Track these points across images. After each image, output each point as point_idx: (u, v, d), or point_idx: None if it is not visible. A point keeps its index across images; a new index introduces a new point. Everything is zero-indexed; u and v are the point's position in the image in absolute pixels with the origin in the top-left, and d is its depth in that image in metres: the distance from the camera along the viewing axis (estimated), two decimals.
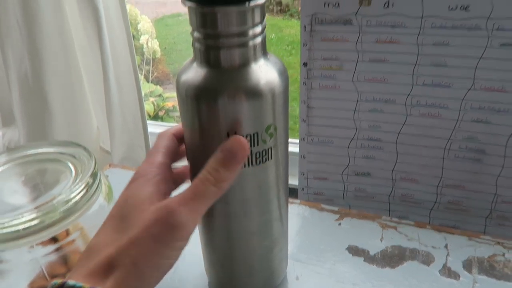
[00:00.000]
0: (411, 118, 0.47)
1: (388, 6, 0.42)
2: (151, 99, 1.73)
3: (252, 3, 0.23)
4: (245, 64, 0.24)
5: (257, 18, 0.24)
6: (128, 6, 0.81)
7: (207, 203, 0.25)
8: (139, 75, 0.87)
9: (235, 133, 0.25)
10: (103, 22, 0.75)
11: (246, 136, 0.25)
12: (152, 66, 2.01)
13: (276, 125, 0.26)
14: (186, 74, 0.25)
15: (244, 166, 0.26)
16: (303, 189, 0.55)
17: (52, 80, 0.78)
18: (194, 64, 0.25)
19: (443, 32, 0.41)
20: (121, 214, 0.24)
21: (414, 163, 0.49)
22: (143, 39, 1.84)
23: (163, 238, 0.23)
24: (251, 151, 0.26)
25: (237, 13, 0.23)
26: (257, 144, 0.26)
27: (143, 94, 0.85)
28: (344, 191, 0.54)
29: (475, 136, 0.46)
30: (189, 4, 0.23)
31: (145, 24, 1.85)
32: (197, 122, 0.25)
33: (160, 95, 1.79)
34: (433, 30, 0.42)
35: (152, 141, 0.92)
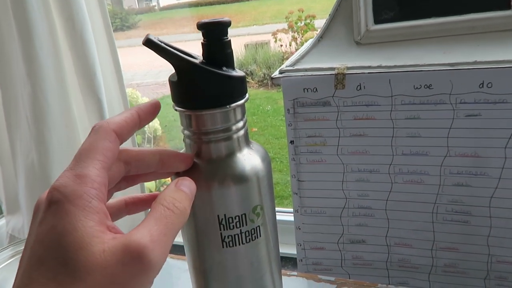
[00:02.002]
0: (397, 185, 0.49)
1: (360, 88, 0.47)
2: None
3: (233, 105, 0.27)
4: (231, 154, 0.28)
5: (239, 115, 0.28)
6: (129, 90, 0.88)
7: (174, 236, 0.21)
8: None
9: (225, 215, 0.27)
10: (105, 113, 0.81)
11: (235, 217, 0.28)
12: (154, 144, 2.08)
13: (263, 205, 0.29)
14: None
15: (235, 245, 0.28)
16: (301, 260, 0.56)
17: (57, 170, 0.82)
18: None
19: (412, 108, 0.46)
20: (55, 258, 0.18)
21: (405, 228, 0.51)
22: None
23: (130, 283, 0.19)
24: (241, 231, 0.28)
25: (221, 114, 0.27)
26: (246, 224, 0.28)
27: None
28: (341, 259, 0.55)
29: (459, 199, 0.48)
30: (179, 109, 0.27)
31: None
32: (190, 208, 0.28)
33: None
34: (403, 106, 0.46)
35: None
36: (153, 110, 0.25)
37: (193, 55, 0.27)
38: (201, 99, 0.26)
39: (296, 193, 0.53)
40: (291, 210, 0.78)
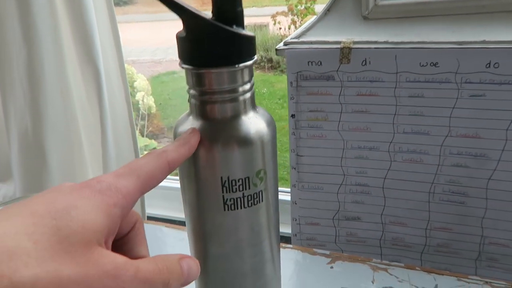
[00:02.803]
0: (395, 163, 0.49)
1: (365, 64, 0.46)
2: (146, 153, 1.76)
3: (241, 65, 0.26)
4: (236, 116, 0.27)
5: (246, 77, 0.27)
6: (125, 66, 0.87)
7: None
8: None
9: (228, 177, 0.27)
10: (103, 83, 0.80)
11: (239, 180, 0.27)
12: (147, 121, 2.06)
13: (266, 170, 0.28)
14: (183, 126, 0.28)
15: (237, 208, 0.28)
16: (295, 235, 0.56)
17: (51, 136, 0.81)
18: (190, 117, 0.28)
19: (417, 86, 0.46)
20: (57, 228, 0.17)
21: (401, 207, 0.51)
22: (139, 96, 1.91)
23: None
24: (243, 194, 0.28)
25: (228, 73, 0.26)
26: (249, 188, 0.28)
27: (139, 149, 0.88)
28: (336, 236, 0.55)
29: (457, 180, 0.48)
30: (186, 66, 0.26)
31: (141, 82, 1.94)
32: (193, 170, 0.28)
33: (154, 149, 1.82)
34: (407, 84, 0.46)
35: (146, 195, 0.94)
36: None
37: (203, 13, 0.26)
38: (209, 57, 0.25)
39: (294, 168, 0.53)
40: (285, 189, 0.78)
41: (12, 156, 0.87)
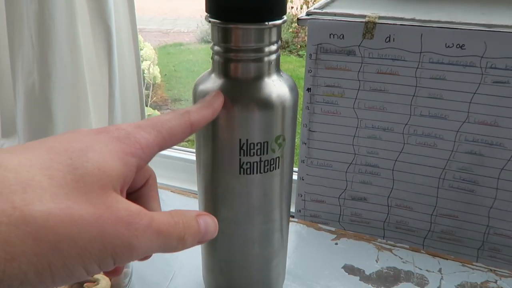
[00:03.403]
0: (408, 146, 0.49)
1: (389, 40, 0.44)
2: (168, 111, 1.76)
3: (270, 23, 0.25)
4: (259, 77, 0.26)
5: (274, 37, 0.26)
6: None
7: (162, 243, 0.18)
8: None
9: (247, 140, 0.26)
10: (113, 43, 0.78)
11: (257, 144, 0.27)
12: (152, 91, 2.05)
13: (285, 136, 0.28)
14: (204, 84, 0.27)
15: (253, 173, 0.27)
16: (299, 211, 0.56)
17: (58, 94, 0.79)
18: (212, 75, 0.27)
19: (440, 67, 0.44)
20: (73, 167, 0.16)
21: (409, 191, 0.51)
22: (144, 65, 1.89)
23: (107, 243, 0.16)
24: (260, 159, 0.27)
25: (256, 31, 0.25)
26: (266, 153, 0.27)
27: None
28: (340, 215, 0.55)
29: (469, 168, 0.48)
30: (213, 20, 0.25)
31: (147, 50, 1.91)
32: (211, 129, 0.27)
33: (177, 109, 1.82)
34: (430, 65, 0.44)
35: (152, 164, 0.93)
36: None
37: None
38: (238, 12, 0.24)
39: (305, 143, 0.52)
40: None
41: (18, 112, 0.86)
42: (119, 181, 0.18)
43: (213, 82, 0.27)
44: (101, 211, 0.16)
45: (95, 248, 0.16)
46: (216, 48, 0.26)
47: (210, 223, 0.20)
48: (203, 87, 0.27)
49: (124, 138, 0.19)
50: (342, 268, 0.38)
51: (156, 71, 1.97)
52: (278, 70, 0.28)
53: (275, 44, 0.26)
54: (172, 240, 0.18)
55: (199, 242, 0.20)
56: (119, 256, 0.16)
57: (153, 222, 0.18)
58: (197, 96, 0.27)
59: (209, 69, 0.28)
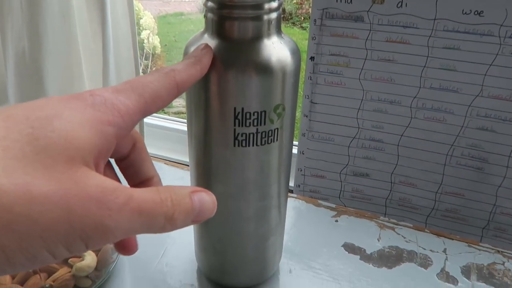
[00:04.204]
0: (416, 121, 0.46)
1: (401, 5, 0.41)
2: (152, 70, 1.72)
3: None
4: (257, 38, 0.24)
5: None
6: None
7: (144, 223, 0.16)
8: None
9: (242, 109, 0.24)
10: (107, 8, 0.74)
11: (254, 114, 0.24)
12: (151, 61, 2.00)
13: (285, 106, 0.25)
14: (196, 45, 0.24)
15: (249, 145, 0.25)
16: (299, 186, 0.54)
17: (49, 61, 0.76)
18: (205, 35, 0.24)
19: (455, 36, 0.41)
20: (34, 137, 0.14)
21: (414, 167, 0.49)
22: (144, 34, 1.84)
23: (74, 223, 0.14)
24: (257, 130, 0.25)
25: None
26: (264, 123, 0.25)
27: None
28: (341, 190, 0.53)
29: (479, 144, 0.45)
30: None
31: (147, 19, 1.85)
32: (203, 96, 0.24)
33: (162, 67, 1.78)
34: (445, 33, 0.41)
35: (148, 131, 0.91)
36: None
37: None
38: None
39: (306, 116, 0.49)
40: None
41: (8, 80, 0.83)
42: (91, 154, 0.15)
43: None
44: (67, 187, 0.14)
45: (61, 229, 0.13)
46: (210, 3, 0.23)
47: (206, 200, 0.18)
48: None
49: (100, 105, 0.16)
50: (342, 246, 0.37)
51: (156, 41, 1.92)
52: (279, 31, 0.25)
53: (276, 1, 0.23)
54: (158, 220, 0.16)
55: (193, 222, 0.17)
56: (91, 238, 0.14)
57: (132, 199, 0.15)
58: None
59: (202, 29, 0.25)
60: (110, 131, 0.16)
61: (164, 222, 0.16)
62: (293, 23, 2.49)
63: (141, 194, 0.16)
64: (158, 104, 0.19)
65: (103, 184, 0.15)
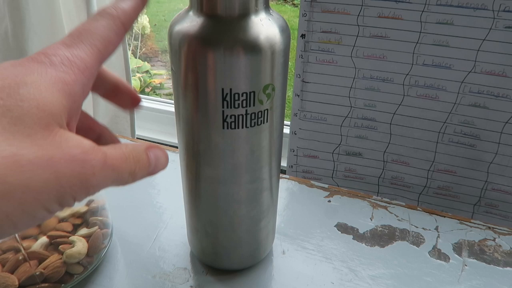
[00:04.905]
0: (408, 98, 0.46)
1: None
2: (138, 75, 1.69)
3: None
4: (245, 14, 0.22)
5: None
6: None
7: (114, 178, 0.17)
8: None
9: (231, 90, 0.23)
10: None
11: (242, 95, 0.23)
12: (141, 42, 1.95)
13: (275, 86, 0.24)
14: (181, 24, 0.23)
15: (238, 127, 0.24)
16: (291, 166, 0.54)
17: (33, 41, 0.74)
18: (190, 13, 0.23)
19: (448, 10, 0.40)
20: (6, 108, 0.14)
21: (406, 146, 0.49)
22: None
23: (63, 183, 0.14)
24: (246, 111, 0.24)
25: None
26: (253, 104, 0.24)
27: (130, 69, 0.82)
28: (333, 170, 0.53)
29: (471, 121, 0.45)
30: None
31: None
32: (189, 77, 0.23)
33: (147, 72, 1.75)
34: (438, 8, 0.40)
35: (138, 113, 0.89)
36: None
37: None
38: None
39: (298, 95, 0.49)
40: None
41: None
42: (63, 116, 0.16)
43: (191, 21, 0.23)
44: (51, 152, 0.14)
45: (52, 189, 0.14)
46: None
47: (160, 156, 0.19)
48: (180, 27, 0.23)
49: (59, 65, 0.16)
50: (335, 226, 0.37)
51: (145, 21, 1.87)
52: (267, 7, 0.24)
53: None
54: (124, 175, 0.17)
55: (148, 174, 0.18)
56: (78, 193, 0.15)
57: (108, 158, 0.16)
58: (173, 39, 0.23)
59: (187, 7, 0.24)
60: (77, 91, 0.16)
61: (128, 177, 0.17)
62: (285, 0, 2.44)
63: (112, 152, 0.17)
64: (110, 49, 0.18)
65: (82, 144, 0.15)
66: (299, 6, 0.45)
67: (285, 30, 0.24)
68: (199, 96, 0.24)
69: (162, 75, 1.84)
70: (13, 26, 0.72)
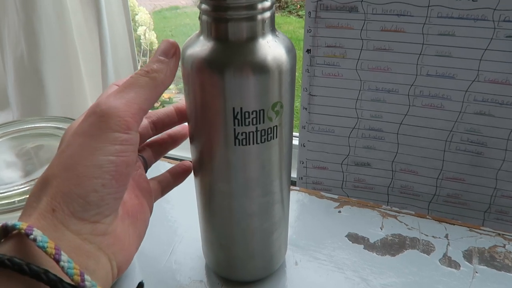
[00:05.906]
0: (414, 108, 0.46)
1: None
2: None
3: None
4: (252, 38, 0.24)
5: None
6: None
7: (139, 92, 0.22)
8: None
9: (241, 109, 0.24)
10: (102, 7, 0.74)
11: (252, 113, 0.24)
12: (149, 58, 1.99)
13: (283, 103, 0.25)
14: (193, 47, 0.25)
15: (249, 143, 0.25)
16: (301, 178, 0.55)
17: (48, 63, 0.77)
18: (201, 37, 0.25)
19: (449, 22, 0.41)
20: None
21: (414, 155, 0.49)
22: (140, 30, 1.83)
23: (95, 131, 0.20)
24: (257, 128, 0.25)
25: None
26: (263, 122, 0.25)
27: None
28: (343, 181, 0.53)
29: (477, 129, 0.45)
30: None
31: (143, 15, 1.84)
32: (201, 97, 0.25)
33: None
34: (439, 20, 0.41)
35: None
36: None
37: None
38: None
39: (306, 108, 0.50)
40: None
41: (8, 84, 0.83)
42: None
43: (202, 45, 0.24)
44: None
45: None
46: (204, 6, 0.24)
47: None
48: (191, 51, 0.24)
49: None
50: (345, 236, 0.37)
51: (152, 36, 1.91)
52: (273, 29, 0.25)
53: (269, 0, 0.24)
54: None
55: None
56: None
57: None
58: (185, 63, 0.25)
59: (198, 31, 0.26)
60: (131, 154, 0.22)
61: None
62: (290, 11, 2.47)
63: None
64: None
65: None
66: (303, 17, 0.46)
67: (291, 51, 0.25)
68: (211, 115, 0.25)
69: (171, 90, 1.87)
70: (28, 49, 0.75)
